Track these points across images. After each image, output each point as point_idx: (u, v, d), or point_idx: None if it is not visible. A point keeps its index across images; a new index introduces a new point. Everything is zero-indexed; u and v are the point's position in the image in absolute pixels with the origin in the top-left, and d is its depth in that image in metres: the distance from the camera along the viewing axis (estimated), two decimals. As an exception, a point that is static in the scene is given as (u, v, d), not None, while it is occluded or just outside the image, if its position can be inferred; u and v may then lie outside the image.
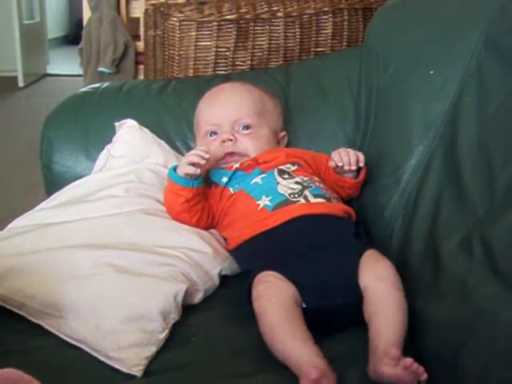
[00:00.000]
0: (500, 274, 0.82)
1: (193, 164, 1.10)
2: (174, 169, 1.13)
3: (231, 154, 1.22)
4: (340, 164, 1.14)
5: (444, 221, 1.00)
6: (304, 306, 0.94)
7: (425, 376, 0.81)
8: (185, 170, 1.11)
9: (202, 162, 1.09)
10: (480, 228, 0.90)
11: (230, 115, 1.23)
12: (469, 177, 0.99)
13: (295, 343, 0.85)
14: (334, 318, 0.94)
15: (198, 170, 1.10)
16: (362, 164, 1.16)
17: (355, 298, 0.94)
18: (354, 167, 1.15)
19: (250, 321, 0.94)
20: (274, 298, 0.91)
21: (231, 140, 1.21)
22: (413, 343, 0.89)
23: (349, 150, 1.17)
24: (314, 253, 1.00)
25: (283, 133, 1.31)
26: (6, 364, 0.66)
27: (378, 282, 0.94)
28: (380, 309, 0.91)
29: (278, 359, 0.87)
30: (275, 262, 0.99)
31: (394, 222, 1.13)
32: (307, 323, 0.90)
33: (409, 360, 0.80)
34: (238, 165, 1.18)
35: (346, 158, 1.15)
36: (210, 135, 1.25)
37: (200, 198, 1.15)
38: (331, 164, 1.16)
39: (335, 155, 1.16)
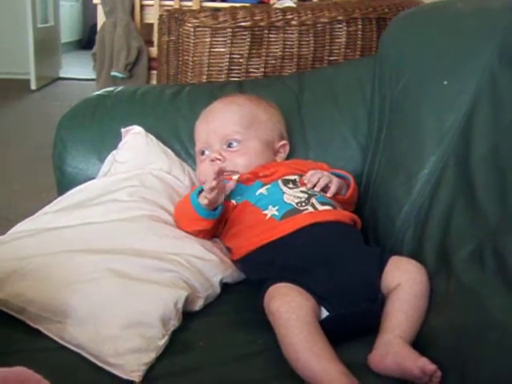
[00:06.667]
0: (512, 285, 0.82)
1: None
2: (198, 193, 1.11)
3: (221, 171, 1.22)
4: (306, 182, 1.13)
5: (456, 231, 1.00)
6: (327, 314, 0.94)
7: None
8: (203, 201, 1.08)
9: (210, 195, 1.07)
10: (492, 239, 0.90)
11: (217, 133, 1.23)
12: (481, 188, 0.99)
13: (320, 363, 0.84)
14: (355, 325, 0.94)
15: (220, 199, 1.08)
16: (329, 194, 1.13)
17: (378, 303, 0.95)
18: (317, 189, 1.12)
19: (254, 327, 0.94)
20: (294, 315, 0.89)
21: (219, 159, 1.21)
22: (422, 353, 0.89)
23: (326, 173, 1.14)
24: (330, 260, 1.00)
25: (282, 142, 1.28)
26: (10, 363, 0.65)
27: (412, 282, 0.96)
28: (406, 308, 0.93)
29: (285, 366, 0.86)
30: (290, 271, 0.99)
31: (405, 231, 1.13)
32: (328, 332, 0.89)
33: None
34: (237, 177, 1.16)
35: (314, 179, 1.12)
36: (202, 154, 1.25)
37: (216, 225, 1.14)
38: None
39: (308, 173, 1.15)
